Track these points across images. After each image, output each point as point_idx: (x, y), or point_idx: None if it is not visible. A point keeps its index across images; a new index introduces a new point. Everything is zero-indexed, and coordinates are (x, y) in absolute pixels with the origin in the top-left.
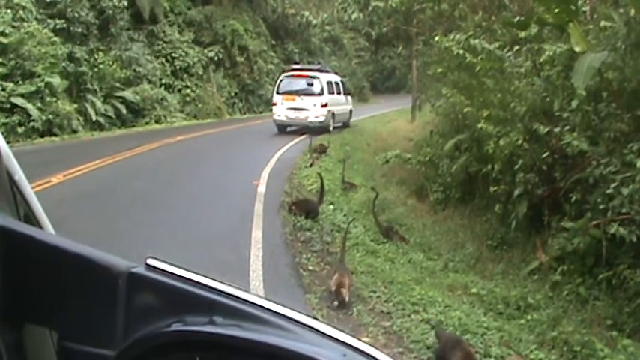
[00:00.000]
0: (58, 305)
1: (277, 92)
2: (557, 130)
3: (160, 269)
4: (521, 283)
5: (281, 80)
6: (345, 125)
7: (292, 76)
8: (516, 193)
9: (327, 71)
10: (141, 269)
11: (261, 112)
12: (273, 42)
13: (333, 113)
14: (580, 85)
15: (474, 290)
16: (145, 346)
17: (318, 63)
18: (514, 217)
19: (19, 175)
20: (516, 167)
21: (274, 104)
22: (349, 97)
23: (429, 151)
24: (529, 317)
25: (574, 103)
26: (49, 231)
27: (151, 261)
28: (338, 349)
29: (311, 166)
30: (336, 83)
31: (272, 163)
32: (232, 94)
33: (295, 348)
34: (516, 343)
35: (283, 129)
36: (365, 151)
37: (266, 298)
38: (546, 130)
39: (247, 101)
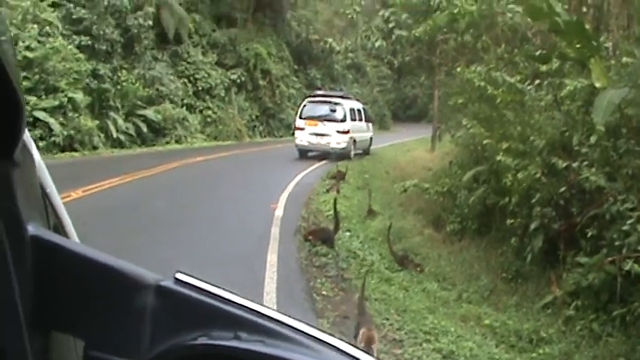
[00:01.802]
0: (86, 314)
1: (300, 117)
2: (575, 164)
3: (188, 284)
4: (535, 316)
5: (304, 106)
6: (365, 152)
7: (316, 101)
8: (533, 226)
9: (349, 98)
10: (169, 282)
11: (281, 136)
12: (296, 67)
13: (354, 140)
14: (600, 121)
15: (486, 322)
16: (171, 358)
17: (341, 90)
18: (529, 251)
19: (51, 187)
20: (533, 201)
21: (297, 129)
22: (370, 125)
23: (447, 181)
24: (541, 351)
25: (593, 139)
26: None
27: (179, 275)
28: None
29: (329, 192)
30: (358, 110)
31: (290, 188)
32: (253, 117)
33: None
34: None
35: (305, 154)
36: (383, 179)
37: (291, 317)
38: (565, 164)
39: (268, 125)
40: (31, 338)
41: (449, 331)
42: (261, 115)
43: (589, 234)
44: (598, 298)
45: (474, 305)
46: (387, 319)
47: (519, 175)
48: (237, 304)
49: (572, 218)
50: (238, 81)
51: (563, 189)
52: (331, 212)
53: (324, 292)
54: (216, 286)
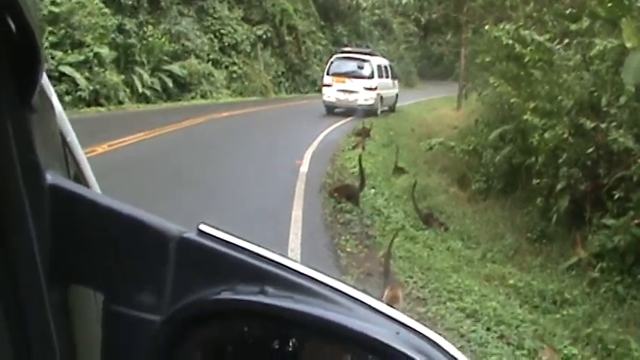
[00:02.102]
0: (106, 267)
1: (328, 74)
2: (603, 125)
3: (212, 236)
4: (559, 277)
5: (332, 62)
6: (391, 109)
7: (343, 58)
8: (559, 187)
9: (376, 55)
10: (193, 235)
11: (307, 93)
12: (322, 23)
13: (381, 97)
14: (630, 81)
15: (511, 282)
16: (193, 313)
17: (367, 47)
18: (555, 211)
19: (72, 137)
20: (560, 161)
21: (324, 85)
22: (396, 82)
23: (473, 140)
24: (565, 312)
25: (622, 100)
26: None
27: (203, 227)
28: (391, 326)
29: (354, 148)
30: (385, 67)
31: (315, 144)
32: (279, 73)
33: (347, 323)
34: (550, 338)
35: (331, 110)
36: (409, 136)
37: (319, 271)
38: (593, 125)
39: (294, 81)
40: (49, 291)
41: (473, 290)
42: (287, 71)
43: (616, 196)
44: (623, 260)
45: (498, 265)
46: (411, 277)
47: (546, 135)
48: (263, 257)
49: (598, 179)
50: (264, 37)
51: (590, 150)
52: (356, 169)
53: (348, 249)
54: (242, 239)
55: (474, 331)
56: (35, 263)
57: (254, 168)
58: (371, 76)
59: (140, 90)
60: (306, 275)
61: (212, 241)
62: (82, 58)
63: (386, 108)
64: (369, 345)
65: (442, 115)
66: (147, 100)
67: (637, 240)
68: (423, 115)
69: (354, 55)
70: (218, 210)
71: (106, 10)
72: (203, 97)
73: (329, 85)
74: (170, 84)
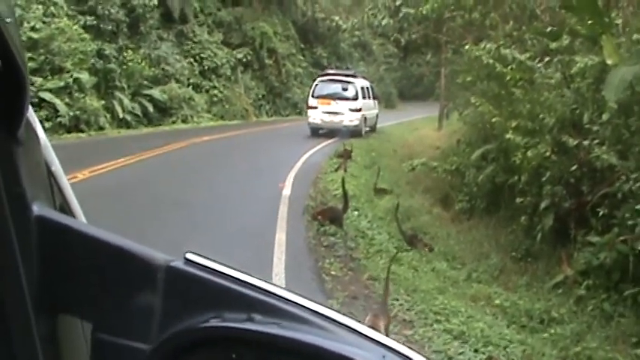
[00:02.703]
0: (93, 296)
1: (313, 96)
2: (586, 143)
3: (199, 264)
4: (545, 296)
5: (316, 85)
6: (372, 129)
7: (327, 80)
8: (543, 205)
9: (358, 77)
10: (179, 263)
11: (287, 115)
12: (302, 45)
13: (365, 117)
14: (612, 98)
15: (497, 302)
16: (182, 341)
17: (347, 68)
18: (540, 230)
19: (56, 166)
20: (544, 179)
21: (309, 107)
22: (376, 102)
23: (456, 159)
24: (552, 331)
25: (605, 116)
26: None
27: (190, 255)
28: (377, 350)
29: (336, 170)
30: (367, 88)
31: (298, 167)
32: (260, 96)
33: (334, 348)
34: (539, 358)
35: (316, 132)
36: (391, 157)
37: (305, 297)
38: (575, 142)
39: (274, 104)
40: (37, 321)
41: (459, 311)
42: (268, 94)
43: (600, 213)
44: (609, 277)
45: (483, 285)
46: (397, 300)
47: (529, 154)
48: (250, 284)
49: (582, 197)
50: (244, 60)
51: (574, 167)
52: (339, 191)
53: (332, 272)
54: (228, 267)
55: (461, 353)
56: (23, 294)
57: (237, 192)
58: (355, 98)
59: (121, 115)
60: (292, 302)
61: (199, 270)
62: (62, 83)
63: (367, 128)
64: None
65: (423, 135)
66: (127, 125)
67: (622, 257)
68: (404, 136)
69: (337, 77)
70: (200, 235)
71: (86, 35)
72: (184, 121)
73: (314, 107)
74: (151, 109)
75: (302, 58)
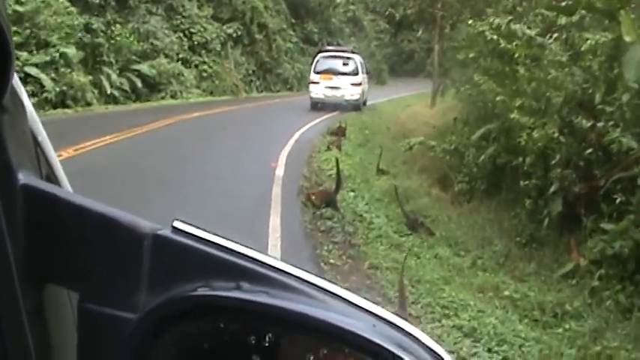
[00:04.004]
0: (80, 266)
1: (315, 72)
2: (600, 124)
3: (187, 232)
4: (556, 286)
5: (317, 61)
6: (363, 104)
7: (328, 56)
8: (552, 189)
9: (356, 52)
10: (167, 232)
11: (278, 91)
12: (293, 20)
13: (364, 92)
14: (632, 78)
15: (506, 293)
16: (169, 310)
17: (338, 44)
18: (547, 215)
19: (43, 136)
20: (553, 162)
21: (311, 83)
22: (366, 78)
23: (454, 139)
24: (567, 327)
25: (625, 97)
26: None
27: (177, 224)
28: (367, 319)
29: (330, 149)
30: (362, 63)
31: (290, 145)
32: (250, 71)
33: (324, 317)
34: (557, 358)
35: (317, 106)
36: (384, 135)
37: (295, 266)
38: (589, 124)
39: (265, 80)
40: (23, 292)
41: (468, 304)
42: (258, 70)
43: (617, 199)
44: (625, 267)
45: (489, 273)
46: None
47: (535, 134)
48: (239, 253)
49: (594, 181)
50: (234, 35)
51: (589, 150)
52: (334, 171)
53: (331, 261)
54: (217, 235)
55: (475, 354)
56: (9, 264)
57: (228, 172)
58: (356, 73)
59: (108, 91)
60: (281, 270)
61: (186, 238)
62: (47, 58)
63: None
64: (345, 337)
65: (416, 112)
66: (115, 100)
67: (636, 245)
68: (396, 113)
69: (337, 54)
70: (189, 217)
71: (72, 8)
72: (173, 97)
73: (316, 83)
74: (139, 84)
75: (293, 33)
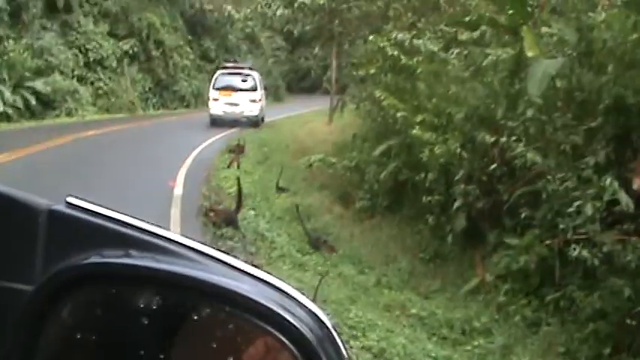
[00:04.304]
0: None
1: (214, 88)
2: (503, 139)
3: (80, 207)
4: (462, 302)
5: (216, 77)
6: (261, 120)
7: (227, 73)
8: (456, 205)
9: (254, 70)
10: (61, 207)
11: (175, 109)
12: (190, 37)
13: (262, 108)
14: (535, 93)
15: (413, 311)
16: (63, 279)
17: (235, 61)
18: (450, 230)
19: None
20: (457, 178)
21: (212, 99)
22: (264, 94)
23: (355, 155)
24: (476, 343)
25: (529, 112)
26: None
27: (70, 199)
28: (248, 280)
29: (229, 167)
30: (260, 80)
31: (188, 163)
32: (146, 88)
33: (205, 278)
34: None
35: (217, 123)
36: (284, 152)
37: (182, 235)
38: (493, 139)
39: (161, 97)
40: None
41: (376, 324)
42: (155, 87)
43: (522, 214)
44: (529, 281)
45: (395, 291)
46: None
47: (437, 150)
48: (128, 224)
49: (497, 196)
50: (131, 52)
51: (493, 166)
52: (233, 189)
53: None
54: (108, 208)
55: None
56: None
57: (123, 191)
58: (254, 89)
59: (1, 108)
60: (167, 238)
61: (80, 212)
62: None
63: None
64: (226, 296)
65: (314, 129)
66: (8, 118)
67: (542, 260)
68: (294, 130)
69: (236, 70)
70: None
71: None
72: (68, 114)
73: (216, 99)
74: (33, 101)
75: (190, 50)
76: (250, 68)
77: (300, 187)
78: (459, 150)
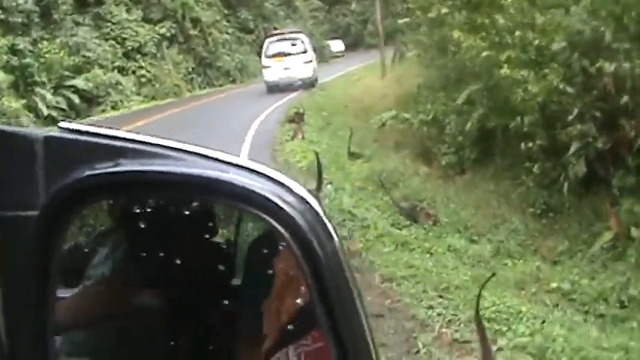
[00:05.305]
0: None
1: (266, 56)
2: (627, 65)
3: (72, 129)
4: (601, 264)
5: (267, 45)
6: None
7: (276, 40)
8: (573, 148)
9: (301, 32)
10: (55, 132)
11: (221, 85)
12: (226, 11)
13: (314, 69)
14: None
15: (553, 285)
16: (62, 198)
17: (274, 28)
18: (565, 178)
19: None
20: (571, 117)
21: (264, 67)
22: (315, 55)
23: (430, 108)
24: None
25: None
26: None
27: (63, 124)
28: (233, 170)
29: (293, 139)
30: (309, 42)
31: (249, 139)
32: (189, 69)
33: (196, 173)
34: None
35: (273, 89)
36: (344, 114)
37: (169, 139)
38: (612, 66)
39: (206, 75)
40: None
41: (520, 311)
42: (198, 67)
43: None
44: None
45: (519, 260)
46: (432, 308)
47: (532, 88)
48: (118, 137)
49: (619, 133)
50: (168, 34)
51: (625, 99)
52: (303, 163)
53: None
54: (99, 126)
55: None
56: None
57: None
58: (305, 51)
59: (45, 112)
60: (153, 143)
61: (73, 134)
62: None
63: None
64: (212, 187)
65: (368, 85)
66: (54, 121)
67: None
68: (348, 89)
69: (284, 36)
70: None
71: None
72: (114, 107)
73: (268, 67)
74: (76, 100)
75: (227, 24)
76: (297, 31)
77: (373, 149)
78: (561, 85)
